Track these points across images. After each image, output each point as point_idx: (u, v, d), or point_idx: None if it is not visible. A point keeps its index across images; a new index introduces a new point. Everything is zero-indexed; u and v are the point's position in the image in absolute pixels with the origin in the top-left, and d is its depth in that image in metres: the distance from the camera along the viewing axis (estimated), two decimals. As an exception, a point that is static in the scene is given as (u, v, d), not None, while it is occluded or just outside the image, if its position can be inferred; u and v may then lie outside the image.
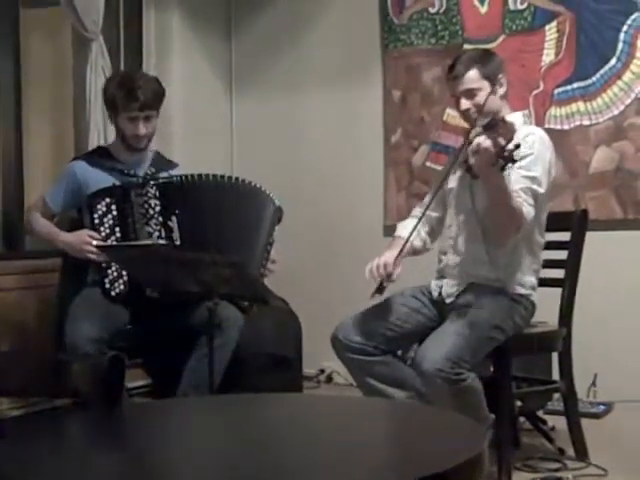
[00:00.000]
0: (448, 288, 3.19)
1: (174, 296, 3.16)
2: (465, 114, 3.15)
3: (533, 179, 2.99)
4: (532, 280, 3.17)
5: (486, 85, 3.11)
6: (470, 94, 3.11)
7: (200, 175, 3.32)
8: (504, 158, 2.69)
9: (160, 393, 3.56)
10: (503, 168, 2.72)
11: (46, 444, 1.85)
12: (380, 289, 3.05)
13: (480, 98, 3.09)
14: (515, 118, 3.05)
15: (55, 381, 2.27)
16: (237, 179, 3.38)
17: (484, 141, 2.71)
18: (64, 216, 3.50)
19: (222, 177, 3.35)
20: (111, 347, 3.01)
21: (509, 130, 2.73)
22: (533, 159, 3.01)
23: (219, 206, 3.31)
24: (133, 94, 3.30)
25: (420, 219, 3.12)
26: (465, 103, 3.12)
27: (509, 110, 3.20)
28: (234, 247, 3.16)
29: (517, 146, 2.69)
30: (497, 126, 2.76)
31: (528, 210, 2.94)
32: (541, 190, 3.00)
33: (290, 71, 5.07)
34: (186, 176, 3.32)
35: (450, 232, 3.26)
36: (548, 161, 3.07)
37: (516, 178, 2.95)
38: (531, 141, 3.04)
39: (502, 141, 2.68)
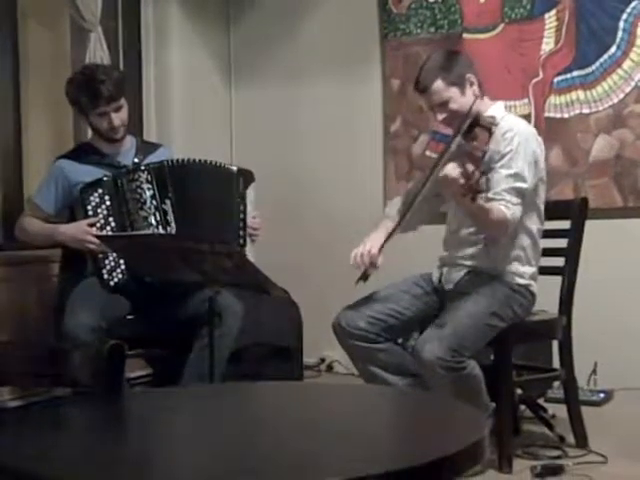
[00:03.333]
0: (448, 275, 3.21)
1: (174, 285, 3.16)
2: (444, 123, 3.16)
3: (515, 176, 3.00)
4: (532, 270, 3.18)
5: (455, 91, 3.10)
6: (442, 105, 3.12)
7: (187, 159, 3.34)
8: (472, 190, 2.72)
9: (160, 383, 3.56)
10: (474, 199, 2.75)
11: (47, 433, 1.85)
12: (364, 277, 3.07)
13: (453, 105, 3.09)
14: (495, 111, 3.08)
15: (55, 370, 2.27)
16: (212, 161, 3.39)
17: (451, 172, 2.74)
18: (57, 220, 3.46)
19: (204, 160, 3.37)
20: (111, 337, 3.00)
21: (486, 135, 2.81)
22: (512, 155, 3.02)
23: (204, 188, 3.34)
24: (97, 92, 3.28)
25: (406, 213, 3.08)
26: (440, 115, 3.13)
27: (489, 103, 3.18)
28: (216, 226, 3.23)
29: (483, 173, 2.72)
30: (473, 133, 2.82)
31: (513, 212, 2.97)
32: (525, 185, 3.01)
33: (289, 61, 5.06)
34: (177, 160, 3.35)
35: (451, 224, 3.27)
36: (531, 153, 3.06)
37: (498, 178, 2.99)
38: (509, 137, 3.04)
39: (470, 168, 2.70)
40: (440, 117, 3.13)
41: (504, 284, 3.11)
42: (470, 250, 3.18)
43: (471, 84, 3.13)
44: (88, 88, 3.30)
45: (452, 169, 2.75)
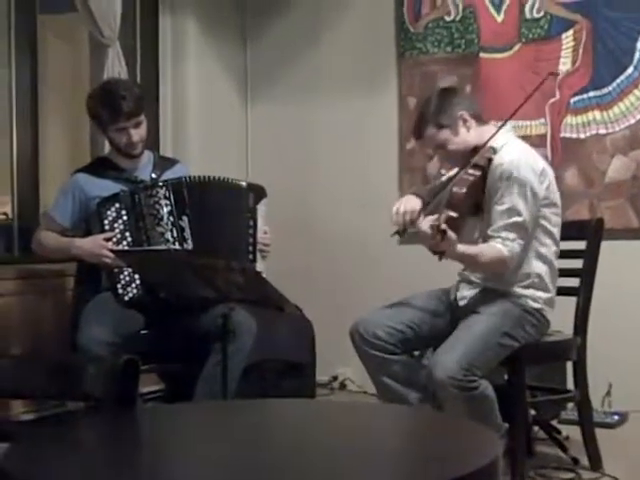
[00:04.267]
0: (463, 291, 3.20)
1: (188, 301, 3.16)
2: (449, 162, 3.23)
3: (509, 211, 3.02)
4: (547, 295, 3.15)
5: (447, 133, 3.15)
6: (440, 148, 3.19)
7: (204, 176, 3.36)
8: (434, 252, 2.82)
9: (173, 398, 3.56)
10: (441, 255, 2.83)
11: (59, 448, 1.85)
12: (402, 233, 3.09)
13: (451, 146, 3.15)
14: (500, 139, 3.10)
15: (68, 384, 2.27)
16: (223, 177, 3.40)
17: (422, 226, 2.89)
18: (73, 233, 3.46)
19: (217, 177, 3.37)
20: (125, 351, 3.00)
21: (475, 173, 3.01)
22: (504, 190, 3.03)
23: (219, 204, 3.35)
24: (118, 108, 3.30)
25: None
26: (441, 157, 3.25)
27: (489, 131, 3.15)
28: (229, 243, 3.25)
29: (444, 232, 2.74)
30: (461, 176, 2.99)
31: (510, 248, 3.00)
32: (520, 219, 3.02)
33: (305, 77, 5.07)
34: (195, 177, 3.36)
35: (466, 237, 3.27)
36: (524, 183, 3.03)
37: (494, 215, 3.04)
38: (499, 172, 3.05)
39: (436, 224, 2.75)
40: (442, 159, 3.27)
41: (517, 305, 3.10)
42: (485, 274, 3.17)
43: (464, 121, 3.16)
44: (109, 103, 3.32)
45: (425, 224, 2.87)
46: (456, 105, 3.18)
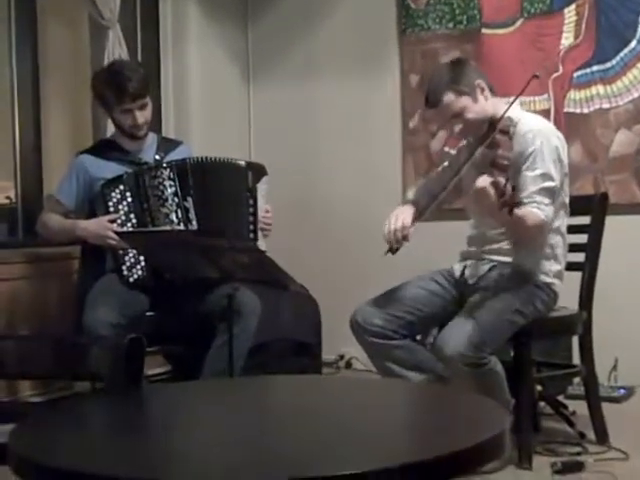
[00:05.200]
0: (473, 269, 3.20)
1: (193, 282, 3.16)
2: (462, 135, 3.17)
3: (543, 176, 2.99)
4: (558, 267, 3.15)
5: (467, 100, 3.07)
6: (457, 116, 3.09)
7: (207, 157, 3.35)
8: (508, 204, 2.73)
9: (179, 380, 3.56)
10: (511, 212, 2.75)
11: (65, 426, 1.86)
12: (394, 251, 3.07)
13: (469, 114, 3.07)
14: (511, 111, 3.03)
15: (75, 365, 2.28)
16: (223, 158, 3.40)
17: (485, 184, 2.75)
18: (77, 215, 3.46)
19: (219, 158, 3.37)
20: (130, 333, 3.01)
21: (507, 141, 2.88)
22: (536, 155, 3.00)
23: (222, 185, 3.35)
24: (123, 88, 3.29)
25: (429, 205, 3.08)
26: (457, 127, 3.11)
27: (503, 104, 3.10)
28: (230, 222, 3.24)
29: (514, 188, 2.72)
30: (495, 140, 2.85)
31: (546, 213, 2.97)
32: (553, 183, 3.00)
33: (307, 58, 5.05)
34: (199, 157, 3.36)
35: (474, 222, 3.25)
36: (554, 150, 3.03)
37: (526, 180, 2.98)
38: (530, 138, 3.01)
39: (501, 180, 2.71)
40: (457, 129, 3.11)
41: (528, 281, 3.09)
42: (496, 245, 3.17)
43: (482, 90, 3.11)
44: (115, 84, 3.31)
45: (484, 181, 2.76)
46: (472, 73, 3.14)
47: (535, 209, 2.95)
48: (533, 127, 3.06)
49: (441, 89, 3.08)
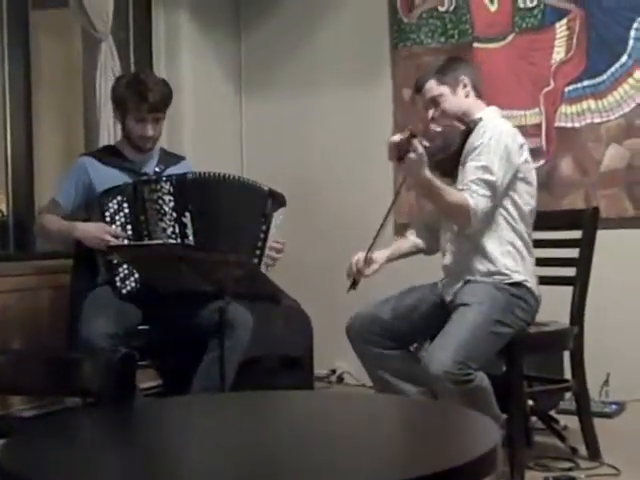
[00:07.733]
0: (446, 287, 3.20)
1: (185, 295, 3.15)
2: (435, 122, 3.25)
3: (484, 168, 3.04)
4: (526, 266, 3.13)
5: (445, 89, 3.22)
6: (433, 101, 3.23)
7: (210, 173, 3.34)
8: (403, 150, 2.87)
9: (171, 394, 3.55)
10: (401, 158, 2.88)
11: (56, 442, 1.84)
12: (354, 285, 3.15)
13: (444, 104, 3.21)
14: (487, 113, 3.20)
15: (66, 380, 2.26)
16: (234, 176, 3.40)
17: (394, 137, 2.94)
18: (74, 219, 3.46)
19: (224, 175, 3.36)
20: (125, 345, 3.01)
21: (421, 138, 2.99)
22: (482, 149, 3.06)
23: (225, 203, 3.33)
24: (143, 96, 3.30)
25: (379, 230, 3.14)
26: (431, 111, 3.24)
27: (482, 106, 3.25)
28: (233, 243, 3.21)
29: (413, 135, 2.87)
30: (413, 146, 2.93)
31: (477, 201, 3.00)
32: (492, 178, 3.03)
33: (300, 71, 5.06)
34: (200, 173, 3.34)
35: (444, 234, 3.26)
36: (503, 148, 3.07)
37: (467, 170, 3.07)
38: (481, 131, 3.10)
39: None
40: (430, 113, 3.23)
41: (503, 290, 3.07)
42: (462, 257, 3.16)
43: (464, 86, 3.23)
44: (136, 90, 3.32)
45: (395, 137, 2.92)
46: (461, 69, 3.26)
47: (466, 194, 3.01)
48: (489, 124, 3.13)
49: (427, 76, 3.25)
